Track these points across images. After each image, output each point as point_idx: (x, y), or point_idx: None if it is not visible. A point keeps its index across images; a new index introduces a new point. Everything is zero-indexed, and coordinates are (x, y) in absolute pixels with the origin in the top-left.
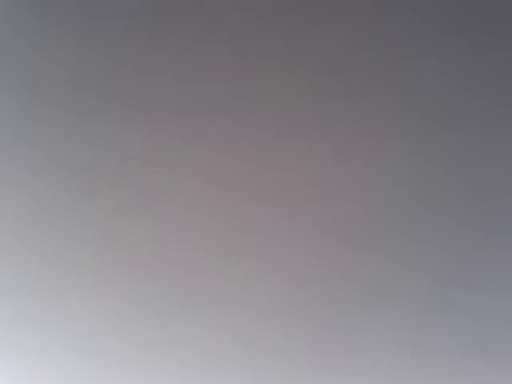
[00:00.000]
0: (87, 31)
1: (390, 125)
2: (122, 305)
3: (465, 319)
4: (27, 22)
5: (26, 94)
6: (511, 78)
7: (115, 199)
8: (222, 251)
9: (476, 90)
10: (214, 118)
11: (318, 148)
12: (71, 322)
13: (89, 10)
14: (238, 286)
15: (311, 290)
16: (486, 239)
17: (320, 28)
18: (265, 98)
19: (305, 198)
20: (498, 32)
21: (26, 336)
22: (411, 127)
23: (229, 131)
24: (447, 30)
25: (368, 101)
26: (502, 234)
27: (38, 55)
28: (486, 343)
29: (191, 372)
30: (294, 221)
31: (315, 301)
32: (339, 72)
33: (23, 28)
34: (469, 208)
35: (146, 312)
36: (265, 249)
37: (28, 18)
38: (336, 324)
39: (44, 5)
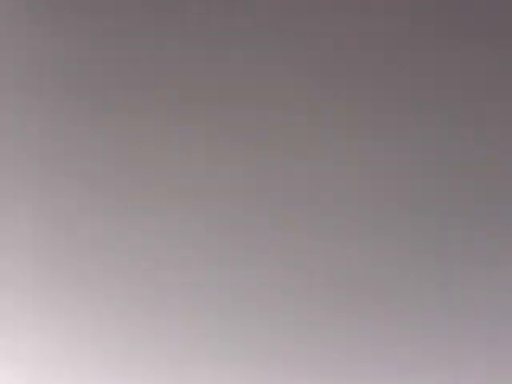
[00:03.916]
0: (88, 28)
1: (389, 125)
2: (123, 305)
3: (466, 318)
4: (27, 20)
5: (25, 93)
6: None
7: (115, 198)
8: (223, 250)
9: (476, 89)
10: (216, 117)
11: (318, 147)
12: (73, 321)
13: (89, 8)
14: (237, 286)
15: (311, 290)
16: (486, 240)
17: (319, 27)
18: (265, 99)
19: (304, 198)
20: (499, 32)
21: (27, 335)
22: (411, 128)
23: (231, 130)
24: (447, 30)
25: (368, 101)
26: (503, 234)
27: (38, 54)
28: (487, 342)
29: (192, 370)
30: (295, 218)
31: (314, 301)
32: (339, 73)
33: (22, 27)
34: (469, 208)
35: (148, 312)
36: (265, 248)
37: (28, 17)
38: (334, 324)
39: (44, 4)
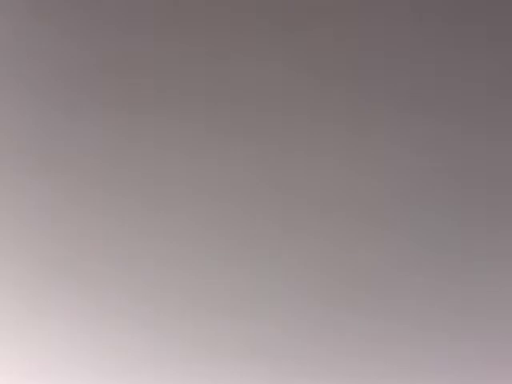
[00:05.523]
0: (87, 27)
1: (389, 125)
2: (123, 304)
3: (466, 317)
4: (27, 19)
5: (25, 92)
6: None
7: (114, 196)
8: (223, 250)
9: (476, 89)
10: (216, 116)
11: (318, 146)
12: (73, 318)
13: (89, 7)
14: (239, 285)
15: (311, 288)
16: (486, 239)
17: (319, 27)
18: (265, 98)
19: (305, 198)
20: (499, 32)
21: (28, 332)
22: (411, 128)
23: (230, 129)
24: (447, 30)
25: (368, 101)
26: (503, 234)
27: (38, 52)
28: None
29: (193, 369)
30: (295, 218)
31: (314, 299)
32: (339, 73)
33: (22, 25)
34: (469, 208)
35: (148, 312)
36: (265, 248)
37: (27, 16)
38: (335, 322)
39: (44, 4)
